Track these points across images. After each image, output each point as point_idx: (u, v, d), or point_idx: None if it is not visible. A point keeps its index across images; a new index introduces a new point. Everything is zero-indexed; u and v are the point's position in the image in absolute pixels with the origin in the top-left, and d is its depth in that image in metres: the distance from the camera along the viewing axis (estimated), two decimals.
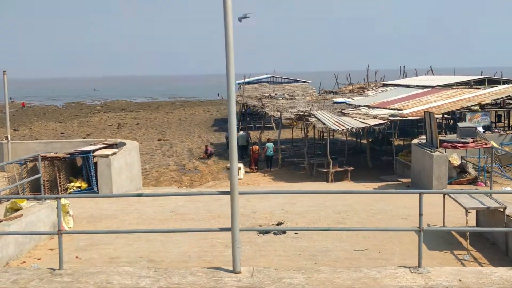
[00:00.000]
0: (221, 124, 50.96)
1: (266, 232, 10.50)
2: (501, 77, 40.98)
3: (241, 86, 51.85)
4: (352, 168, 22.26)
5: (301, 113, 24.62)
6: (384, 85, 44.46)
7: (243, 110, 54.72)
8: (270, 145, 27.14)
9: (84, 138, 41.84)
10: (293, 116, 26.33)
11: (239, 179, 10.69)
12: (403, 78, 55.17)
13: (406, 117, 21.77)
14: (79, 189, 14.07)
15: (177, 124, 52.99)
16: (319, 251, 9.36)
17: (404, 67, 60.60)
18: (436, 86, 31.04)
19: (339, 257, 9.06)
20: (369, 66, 52.66)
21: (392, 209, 12.19)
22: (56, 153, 14.78)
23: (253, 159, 27.65)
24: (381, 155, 28.27)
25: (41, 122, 54.92)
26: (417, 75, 57.51)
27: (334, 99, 34.60)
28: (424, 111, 15.82)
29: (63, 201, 11.35)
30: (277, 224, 11.06)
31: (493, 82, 36.35)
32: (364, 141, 32.69)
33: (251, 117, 48.19)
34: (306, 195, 13.79)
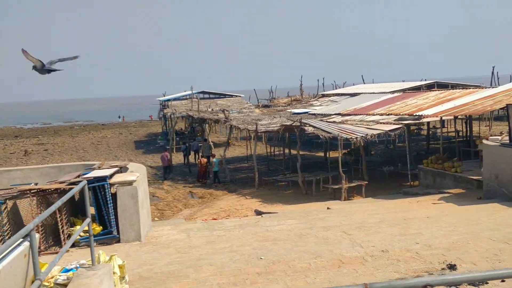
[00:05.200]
0: (146, 146, 45.86)
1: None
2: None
3: (170, 103, 47.22)
4: (367, 183, 19.20)
5: (291, 123, 21.12)
6: (324, 96, 42.55)
7: (170, 128, 50.03)
8: (216, 160, 26.07)
9: None
10: (276, 128, 22.72)
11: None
12: (322, 91, 54.11)
13: (419, 119, 19.23)
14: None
15: (94, 148, 46.78)
16: None
17: (322, 80, 60.11)
18: (406, 89, 29.28)
19: None
20: (302, 79, 50.67)
21: None
22: (42, 183, 9.95)
23: (201, 172, 26.27)
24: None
25: None
26: (337, 88, 56.88)
27: (293, 110, 31.56)
28: (508, 104, 13.17)
29: (119, 261, 6.85)
30: (450, 267, 7.44)
31: (443, 86, 35.72)
32: (335, 154, 30.08)
33: (180, 136, 43.84)
34: (417, 220, 10.32)
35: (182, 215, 20.18)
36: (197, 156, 31.16)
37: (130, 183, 9.49)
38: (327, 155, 29.26)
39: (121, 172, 10.96)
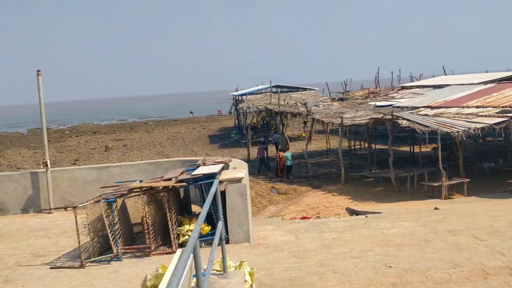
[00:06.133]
0: (221, 140, 45.93)
1: None
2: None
3: (242, 97, 47.15)
4: (469, 180, 17.89)
5: (382, 116, 20.08)
6: (404, 88, 40.79)
7: (239, 123, 49.96)
8: (288, 154, 25.53)
9: (73, 163, 36.00)
10: (364, 122, 21.75)
11: None
12: (398, 83, 52.28)
13: None
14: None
15: (170, 143, 47.41)
16: None
17: (397, 72, 57.83)
18: (497, 80, 27.37)
19: None
20: (379, 70, 49.05)
21: None
22: (155, 180, 9.63)
23: (280, 166, 25.78)
24: (453, 162, 23.96)
25: (12, 150, 48.04)
26: (413, 80, 54.52)
27: (376, 103, 30.33)
28: None
29: (248, 268, 6.30)
30: None
31: None
32: (423, 149, 28.61)
33: (253, 130, 43.44)
34: None
35: (269, 212, 19.69)
36: (276, 149, 30.72)
37: (239, 180, 8.97)
38: (414, 150, 27.94)
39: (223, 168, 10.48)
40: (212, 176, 8.81)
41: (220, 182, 8.98)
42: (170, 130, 61.62)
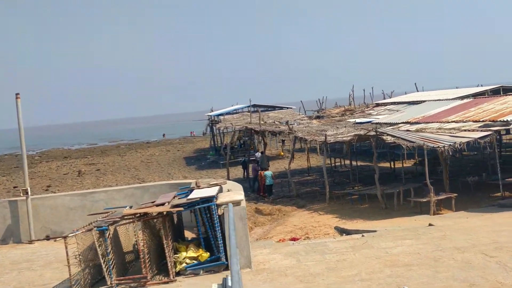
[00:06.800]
0: (197, 162, 45.26)
1: None
2: None
3: (219, 118, 46.78)
4: (456, 195, 17.79)
5: (365, 132, 19.93)
6: (378, 105, 41.16)
7: (219, 144, 49.44)
8: (268, 173, 25.19)
9: (46, 190, 34.94)
10: (347, 139, 21.58)
11: None
12: (371, 100, 53.10)
13: (508, 125, 17.76)
14: (195, 262, 8.40)
15: (145, 166, 46.50)
16: None
17: (369, 89, 58.43)
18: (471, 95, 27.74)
19: None
20: (353, 88, 49.48)
21: None
22: (151, 204, 9.08)
23: (262, 186, 25.46)
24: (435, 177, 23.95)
25: None
26: (385, 97, 55.19)
27: (356, 120, 30.35)
28: None
29: None
30: None
31: (508, 90, 33.87)
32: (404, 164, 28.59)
33: (231, 151, 42.97)
34: None
35: (255, 234, 19.15)
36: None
37: (238, 203, 8.53)
38: (394, 165, 27.91)
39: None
40: (209, 199, 8.36)
41: (218, 205, 8.55)
42: (144, 153, 60.62)
